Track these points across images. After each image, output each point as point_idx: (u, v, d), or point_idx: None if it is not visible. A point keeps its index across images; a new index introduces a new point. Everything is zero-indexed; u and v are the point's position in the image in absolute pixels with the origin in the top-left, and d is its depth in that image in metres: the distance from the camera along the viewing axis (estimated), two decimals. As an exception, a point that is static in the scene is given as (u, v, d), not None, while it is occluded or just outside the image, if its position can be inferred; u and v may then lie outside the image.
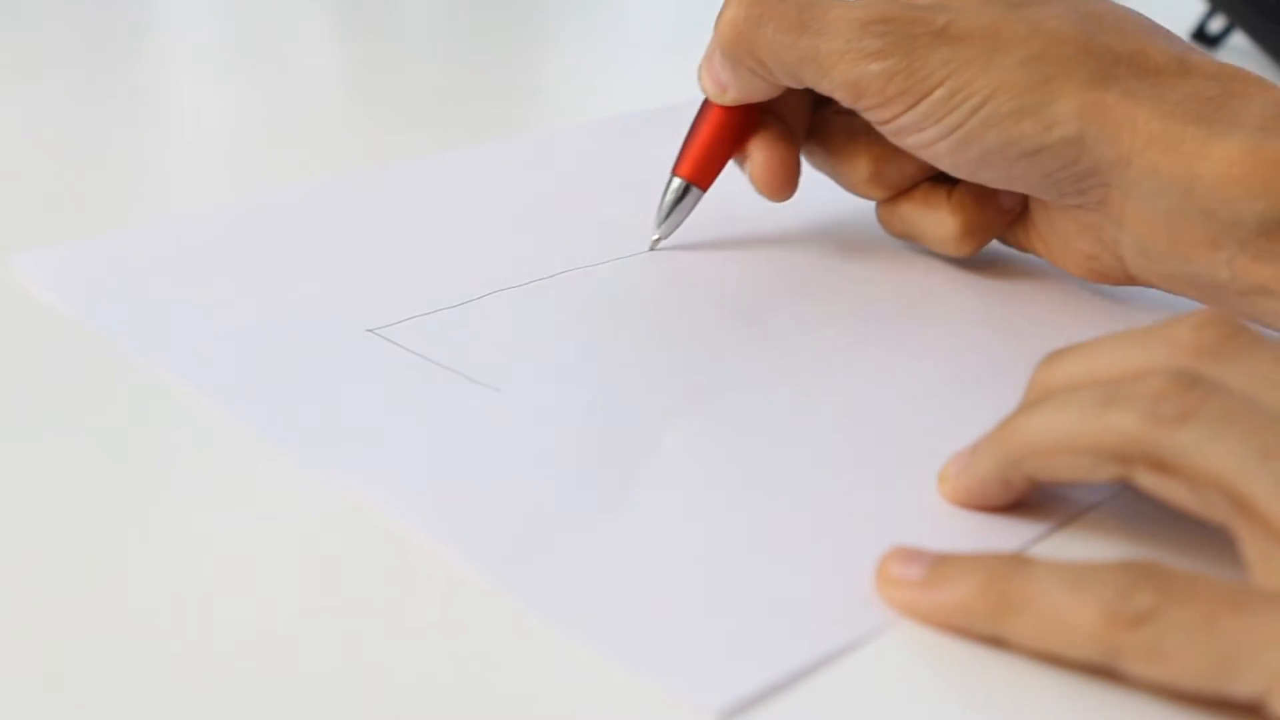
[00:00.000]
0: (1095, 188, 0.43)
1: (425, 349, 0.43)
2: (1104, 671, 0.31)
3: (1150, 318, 0.36)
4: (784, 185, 0.48)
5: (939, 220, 0.48)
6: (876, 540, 0.35)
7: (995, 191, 0.47)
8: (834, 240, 0.52)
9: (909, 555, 0.34)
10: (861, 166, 0.48)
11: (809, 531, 0.36)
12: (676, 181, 0.49)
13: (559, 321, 0.45)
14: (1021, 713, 0.31)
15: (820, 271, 0.50)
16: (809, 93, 0.47)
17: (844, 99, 0.44)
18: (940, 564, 0.33)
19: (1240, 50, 0.74)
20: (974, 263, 0.50)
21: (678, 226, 0.49)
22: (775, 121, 0.48)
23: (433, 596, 0.34)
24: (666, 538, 0.36)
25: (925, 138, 0.44)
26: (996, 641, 0.32)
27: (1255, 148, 0.41)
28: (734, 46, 0.45)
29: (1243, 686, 0.29)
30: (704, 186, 0.49)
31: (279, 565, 0.34)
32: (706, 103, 0.48)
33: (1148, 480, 0.33)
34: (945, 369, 0.44)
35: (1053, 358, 0.37)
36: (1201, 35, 0.75)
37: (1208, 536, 0.34)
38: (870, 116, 0.45)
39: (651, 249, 0.50)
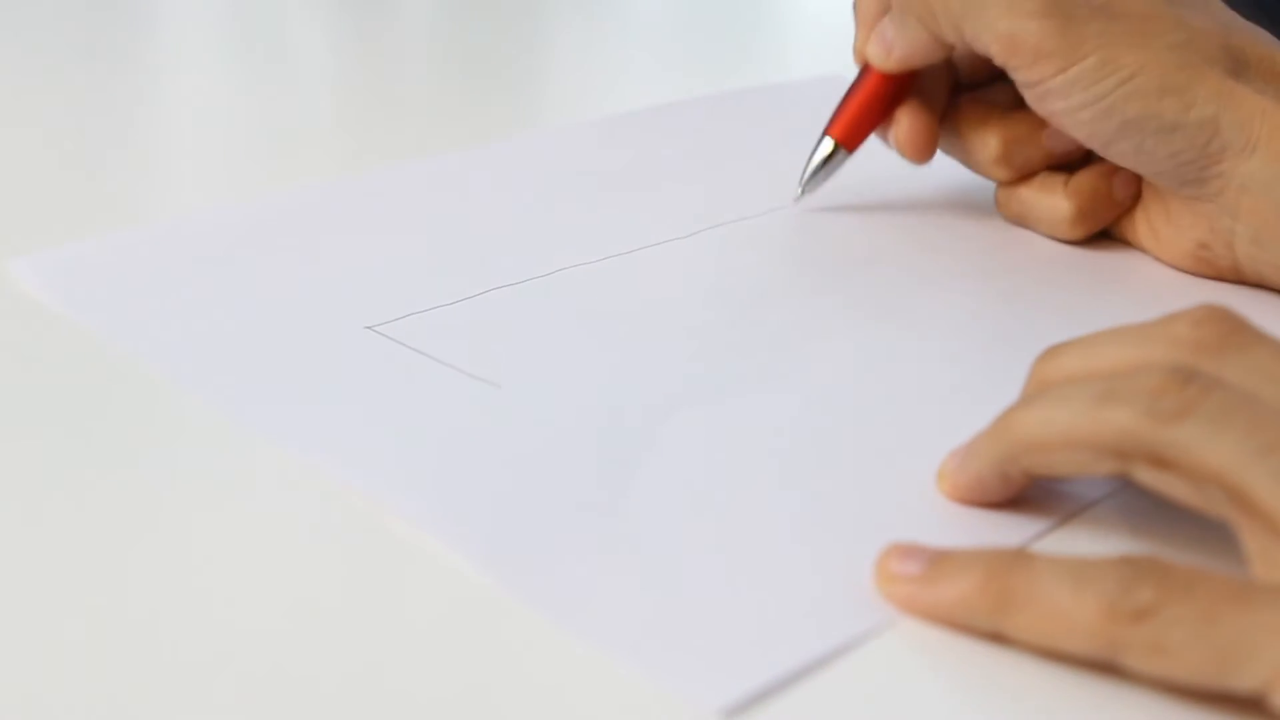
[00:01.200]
0: (1214, 178, 0.47)
1: (424, 345, 0.43)
2: (1105, 667, 0.31)
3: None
4: (926, 148, 0.52)
5: (1054, 204, 0.51)
6: (876, 538, 0.35)
7: (1110, 181, 0.51)
8: (833, 237, 0.52)
9: (908, 551, 0.34)
10: (992, 146, 0.51)
11: (808, 529, 0.36)
12: (827, 141, 0.52)
13: (557, 318, 0.45)
14: (1023, 708, 0.31)
15: (823, 269, 0.50)
16: (948, 76, 0.53)
17: (998, 54, 0.48)
18: (940, 560, 0.33)
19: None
20: (981, 262, 0.51)
21: (821, 185, 0.53)
22: (919, 94, 0.52)
23: (432, 594, 0.33)
24: (666, 536, 0.35)
25: (1070, 104, 0.47)
26: (997, 637, 0.32)
27: None
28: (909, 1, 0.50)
29: (1244, 680, 0.29)
30: (851, 148, 0.53)
31: (280, 565, 0.34)
32: (863, 73, 0.52)
33: (1147, 476, 0.33)
34: (945, 365, 0.44)
35: (1051, 352, 0.37)
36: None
37: (1208, 532, 0.34)
38: (1019, 76, 0.48)
39: (795, 203, 0.53)
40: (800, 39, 0.85)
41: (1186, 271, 0.50)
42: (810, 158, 0.53)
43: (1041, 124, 0.50)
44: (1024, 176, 0.52)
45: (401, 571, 0.34)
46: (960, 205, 0.54)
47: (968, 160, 0.53)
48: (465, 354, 0.43)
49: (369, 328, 0.44)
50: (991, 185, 0.54)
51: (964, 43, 0.49)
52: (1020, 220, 0.53)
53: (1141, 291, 0.49)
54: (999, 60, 0.48)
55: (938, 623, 0.33)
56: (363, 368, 0.42)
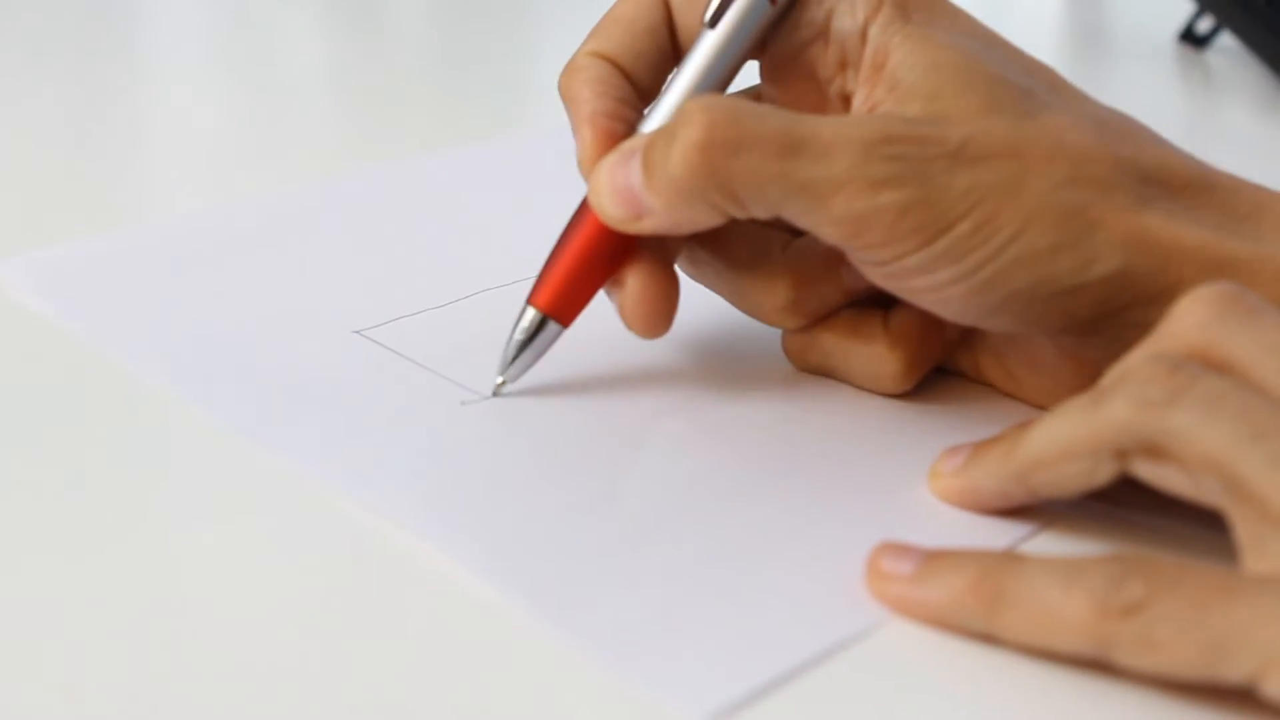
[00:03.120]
0: (1113, 328, 0.37)
1: (412, 349, 0.43)
2: (1097, 665, 0.31)
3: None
4: (662, 320, 0.40)
5: (875, 356, 0.40)
6: (866, 536, 0.34)
7: (940, 319, 0.39)
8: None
9: (900, 550, 0.34)
10: (779, 291, 0.40)
11: (798, 531, 0.36)
12: (531, 314, 0.40)
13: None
14: (1015, 708, 0.31)
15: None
16: None
17: (836, 235, 0.36)
18: (932, 559, 0.33)
19: (1228, 51, 0.74)
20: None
21: (529, 368, 0.40)
22: (652, 241, 0.39)
23: (419, 599, 0.33)
24: (654, 540, 0.35)
25: (936, 280, 0.37)
26: (987, 638, 0.32)
27: None
28: (700, 179, 0.36)
29: (1233, 671, 0.29)
30: (566, 323, 0.40)
31: (268, 570, 0.34)
32: (580, 216, 0.40)
33: (1144, 469, 0.33)
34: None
35: None
36: (1189, 36, 0.75)
37: (1197, 531, 0.34)
38: (864, 256, 0.37)
39: (495, 394, 0.40)
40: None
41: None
42: (511, 335, 0.40)
43: (838, 258, 0.39)
44: (817, 320, 0.41)
45: (389, 576, 0.34)
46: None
47: (743, 305, 0.41)
48: (454, 360, 0.42)
49: (357, 332, 0.44)
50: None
51: (782, 219, 0.37)
52: (823, 371, 0.42)
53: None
54: (835, 240, 0.37)
55: (929, 623, 0.33)
56: (350, 373, 0.42)
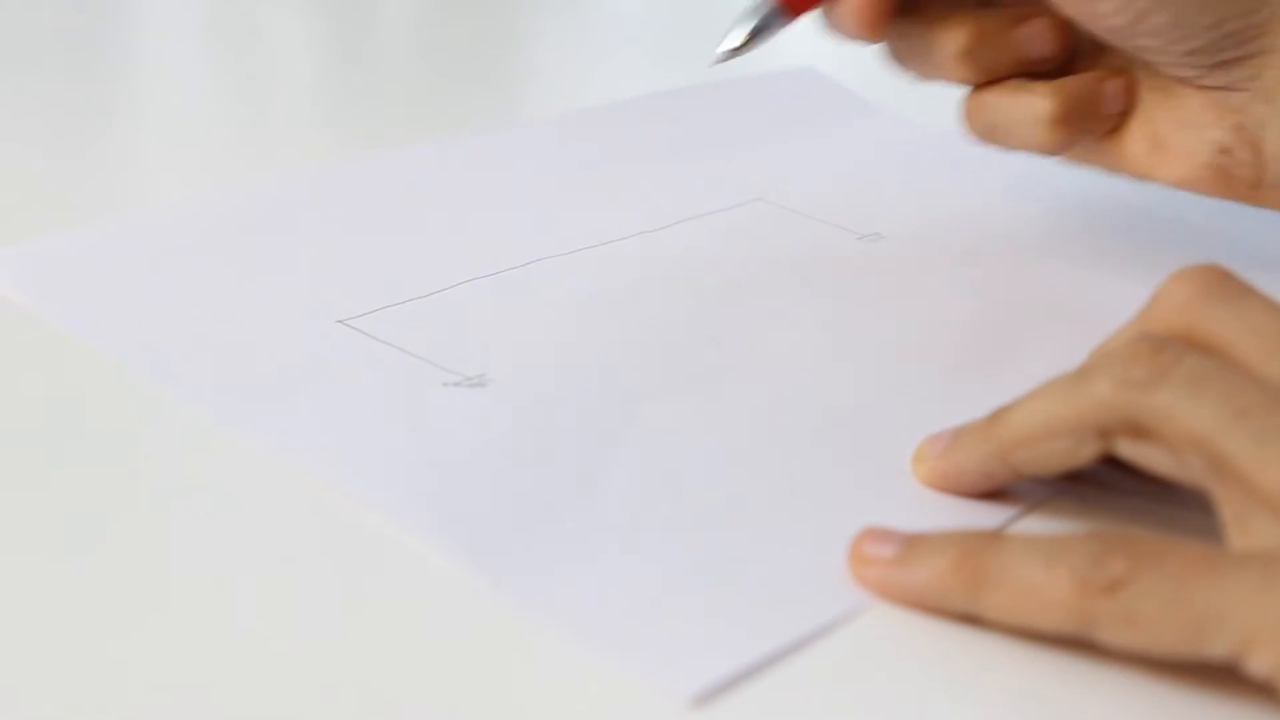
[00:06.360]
0: (1255, 56, 0.42)
1: (397, 339, 0.43)
2: (1081, 644, 0.31)
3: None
4: (878, 23, 0.45)
5: (1032, 104, 0.45)
6: (848, 524, 0.34)
7: (1099, 88, 0.45)
8: (806, 229, 0.52)
9: (882, 534, 0.34)
10: (958, 39, 0.45)
11: (782, 515, 0.36)
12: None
13: (531, 310, 0.45)
14: (997, 689, 0.31)
15: (796, 261, 0.50)
16: None
17: None
18: (913, 542, 0.33)
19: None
20: (954, 256, 0.50)
21: (752, 50, 0.46)
22: None
23: (404, 584, 0.33)
24: (638, 524, 0.35)
25: None
26: (971, 618, 0.32)
27: None
28: None
29: (1216, 648, 0.29)
30: (795, 13, 0.46)
31: (254, 559, 0.34)
32: None
33: (1127, 448, 0.33)
34: (916, 354, 0.44)
35: None
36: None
37: (1182, 513, 0.34)
38: None
39: (710, 65, 0.47)
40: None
41: (1195, 190, 0.45)
42: (740, 15, 0.46)
43: (1016, 22, 0.46)
44: (989, 82, 0.46)
45: (373, 563, 0.34)
46: (931, 205, 0.54)
47: (925, 58, 0.46)
48: (438, 347, 0.42)
49: (341, 321, 0.44)
50: (981, 179, 0.53)
51: None
52: (990, 131, 0.47)
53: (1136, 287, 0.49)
54: None
55: (912, 605, 0.32)
56: (334, 362, 0.42)
